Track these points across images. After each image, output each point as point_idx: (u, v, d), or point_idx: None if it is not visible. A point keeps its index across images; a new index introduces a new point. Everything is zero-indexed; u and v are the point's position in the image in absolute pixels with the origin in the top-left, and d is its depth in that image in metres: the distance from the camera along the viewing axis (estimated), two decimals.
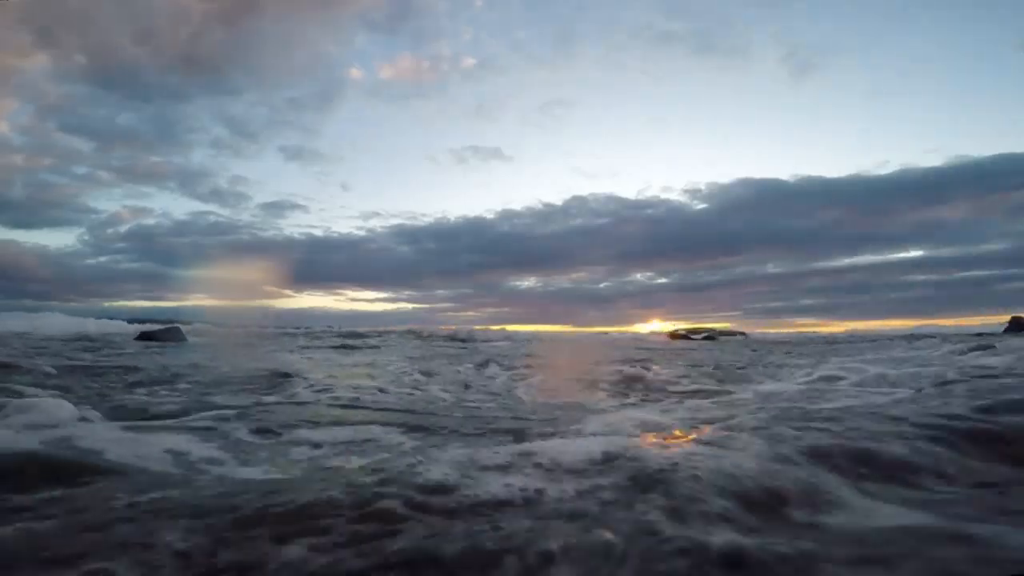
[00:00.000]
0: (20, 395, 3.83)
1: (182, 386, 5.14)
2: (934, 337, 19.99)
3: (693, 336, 30.19)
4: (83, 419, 3.15)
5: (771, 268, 51.17)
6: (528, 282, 49.40)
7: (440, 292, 50.80)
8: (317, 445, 2.78)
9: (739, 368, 8.71)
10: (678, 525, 1.30)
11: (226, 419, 3.38)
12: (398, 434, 3.06)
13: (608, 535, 1.25)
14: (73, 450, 2.34)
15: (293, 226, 53.56)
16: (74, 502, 1.70)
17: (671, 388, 6.03)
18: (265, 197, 64.76)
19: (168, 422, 3.34)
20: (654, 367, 7.80)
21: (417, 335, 21.98)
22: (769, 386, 5.94)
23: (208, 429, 3.08)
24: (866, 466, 1.76)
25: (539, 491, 1.57)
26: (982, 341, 12.41)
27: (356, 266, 51.36)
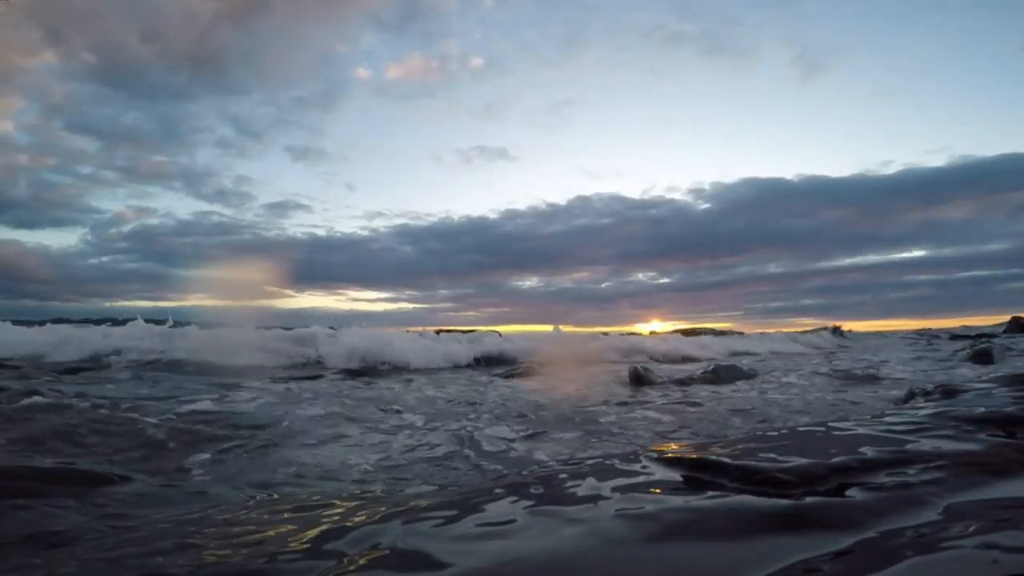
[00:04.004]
0: None
1: None
2: (938, 337, 19.99)
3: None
4: None
5: (773, 268, 51.04)
6: (530, 282, 49.32)
7: (442, 292, 50.63)
8: None
9: None
10: None
11: None
12: None
13: None
14: None
15: (296, 226, 53.49)
16: None
17: None
18: (269, 197, 64.52)
19: None
20: None
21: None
22: None
23: None
24: None
25: None
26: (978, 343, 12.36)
27: (358, 266, 51.27)
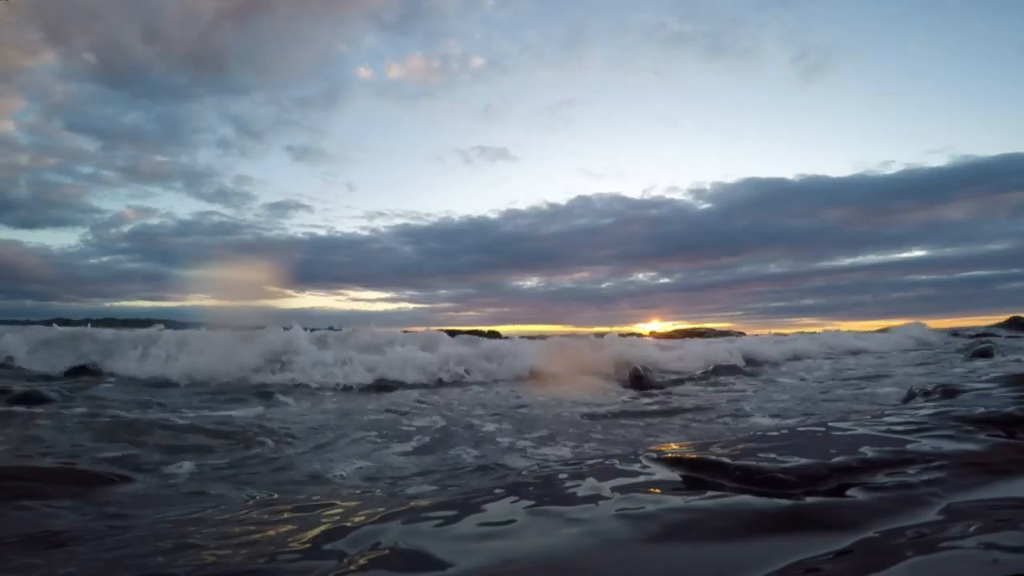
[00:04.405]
0: None
1: None
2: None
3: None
4: None
5: (773, 268, 51.08)
6: (531, 282, 49.54)
7: (442, 292, 50.82)
8: None
9: None
10: None
11: None
12: None
13: None
14: None
15: (297, 226, 53.74)
16: None
17: None
18: (270, 197, 64.75)
19: None
20: None
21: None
22: None
23: None
24: None
25: None
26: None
27: (358, 266, 51.45)
